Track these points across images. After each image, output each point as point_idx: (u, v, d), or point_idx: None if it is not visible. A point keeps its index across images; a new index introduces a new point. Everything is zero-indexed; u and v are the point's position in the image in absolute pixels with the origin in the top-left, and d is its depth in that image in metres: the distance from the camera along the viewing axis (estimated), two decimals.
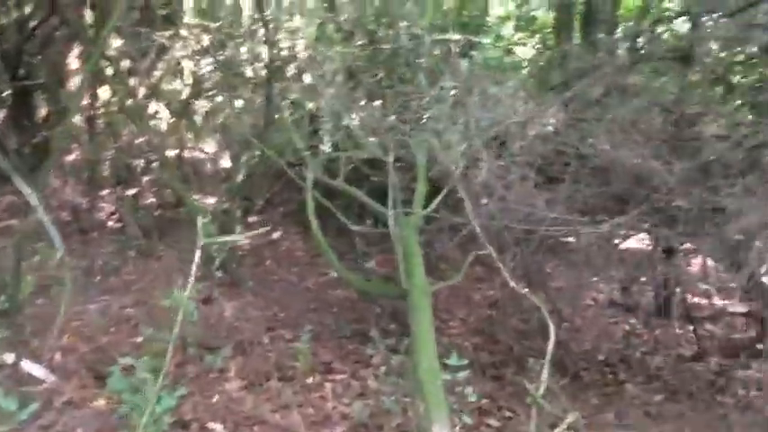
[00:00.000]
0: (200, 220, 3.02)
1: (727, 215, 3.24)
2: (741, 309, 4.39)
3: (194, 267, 2.61)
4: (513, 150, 4.05)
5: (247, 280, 5.20)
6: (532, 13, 11.70)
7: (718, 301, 4.59)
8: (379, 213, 4.03)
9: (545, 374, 2.66)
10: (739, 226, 3.18)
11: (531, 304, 3.25)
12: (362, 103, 7.09)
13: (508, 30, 11.97)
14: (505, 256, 3.51)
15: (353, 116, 5.90)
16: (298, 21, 7.45)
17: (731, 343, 4.07)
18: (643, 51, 4.83)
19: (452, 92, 4.99)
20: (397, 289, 3.38)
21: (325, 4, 7.61)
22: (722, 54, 4.31)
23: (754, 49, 4.36)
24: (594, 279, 4.46)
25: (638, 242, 4.28)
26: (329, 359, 3.91)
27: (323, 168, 5.05)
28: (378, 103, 7.37)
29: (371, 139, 5.48)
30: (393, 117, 5.09)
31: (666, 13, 5.74)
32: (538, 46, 11.31)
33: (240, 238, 4.55)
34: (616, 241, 3.90)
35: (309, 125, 6.04)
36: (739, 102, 4.49)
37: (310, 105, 6.30)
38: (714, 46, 4.52)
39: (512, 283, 3.15)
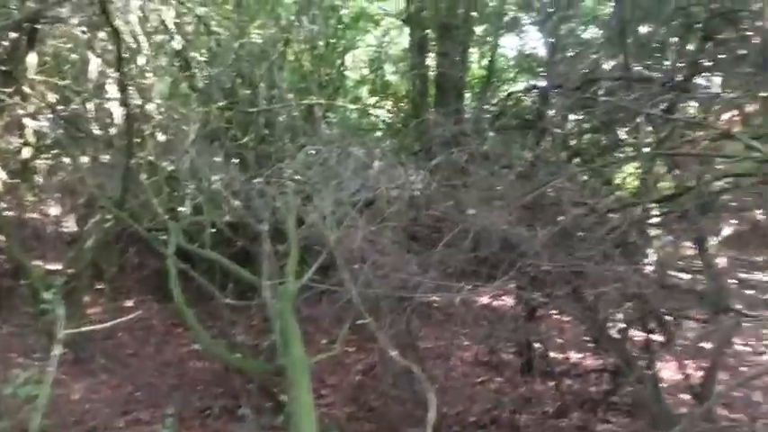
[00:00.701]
0: (48, 295, 2.73)
1: (585, 277, 3.44)
2: (597, 363, 4.65)
3: (55, 351, 2.32)
4: (384, 215, 4.09)
5: (97, 356, 4.77)
6: (386, 78, 12.18)
7: (576, 358, 4.83)
8: (245, 280, 3.86)
9: None
10: (596, 290, 3.38)
11: (404, 369, 3.23)
12: (223, 164, 6.90)
13: (363, 93, 12.37)
14: (381, 323, 3.48)
15: (215, 178, 5.72)
16: (150, 78, 7.16)
17: (589, 397, 4.28)
18: (499, 121, 5.15)
19: (318, 154, 5.00)
20: (273, 365, 3.22)
21: (179, 63, 7.40)
22: (569, 125, 4.67)
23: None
24: (465, 341, 4.54)
25: (504, 303, 4.44)
26: None
27: (183, 233, 4.81)
28: (237, 163, 7.22)
29: (236, 202, 5.32)
30: (259, 180, 4.99)
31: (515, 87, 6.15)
32: (393, 109, 11.77)
33: (106, 326, 4.14)
34: (484, 302, 4.01)
35: (168, 187, 5.77)
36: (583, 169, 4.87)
37: (169, 167, 6.03)
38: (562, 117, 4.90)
39: (391, 353, 3.10)
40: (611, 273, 3.30)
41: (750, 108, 4.65)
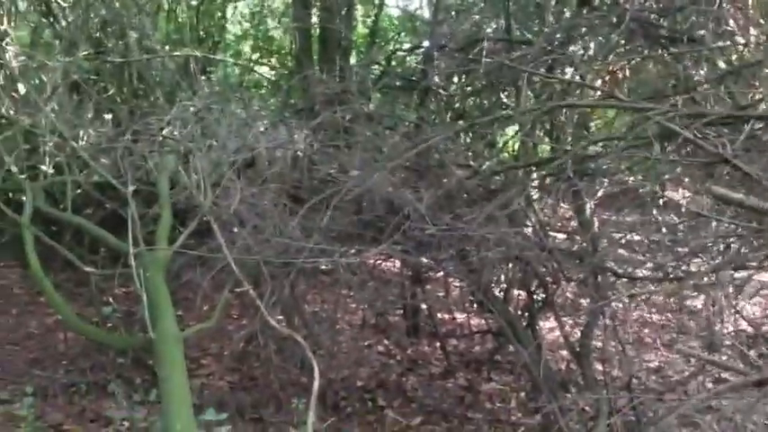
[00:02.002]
0: None
1: (469, 240, 3.44)
2: (481, 324, 4.74)
3: None
4: (264, 177, 3.90)
5: None
6: (270, 34, 11.73)
7: (461, 319, 4.91)
8: (118, 249, 3.56)
9: (311, 419, 2.52)
10: (480, 253, 3.39)
11: (289, 336, 3.11)
12: (90, 118, 6.38)
13: (246, 48, 11.86)
14: (263, 290, 3.32)
15: (81, 134, 5.26)
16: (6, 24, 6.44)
17: (474, 357, 4.36)
18: (383, 81, 5.04)
19: (194, 111, 4.69)
20: (143, 338, 2.99)
21: (41, 7, 6.71)
22: (453, 86, 4.64)
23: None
24: (351, 305, 4.48)
25: (391, 266, 4.40)
26: (59, 420, 3.36)
27: (44, 195, 4.39)
28: (108, 118, 6.69)
29: (103, 160, 4.92)
30: (128, 137, 4.62)
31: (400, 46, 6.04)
32: (277, 66, 11.37)
33: None
34: (371, 265, 3.95)
35: (25, 144, 5.23)
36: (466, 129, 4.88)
37: (26, 121, 5.46)
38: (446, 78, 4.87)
39: (272, 322, 2.96)
40: (494, 235, 3.32)
41: (620, 73, 4.81)
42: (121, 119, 6.68)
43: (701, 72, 4.05)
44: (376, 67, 5.15)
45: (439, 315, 4.81)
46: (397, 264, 4.30)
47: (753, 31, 4.87)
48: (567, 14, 5.14)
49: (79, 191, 4.81)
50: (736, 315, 4.28)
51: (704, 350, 4.59)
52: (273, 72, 11.29)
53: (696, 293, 4.58)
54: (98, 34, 7.27)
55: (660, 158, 2.75)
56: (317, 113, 4.88)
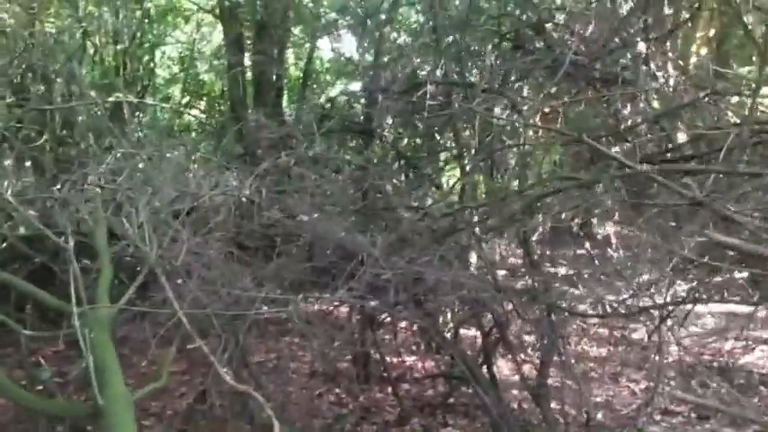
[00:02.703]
0: None
1: (424, 283, 3.41)
2: (433, 366, 4.69)
3: None
4: (210, 225, 3.77)
5: None
6: (200, 78, 11.60)
7: (411, 362, 4.84)
8: (55, 308, 3.34)
9: None
10: (435, 295, 3.37)
11: (244, 392, 2.98)
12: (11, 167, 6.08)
13: (176, 92, 11.69)
14: (212, 344, 3.18)
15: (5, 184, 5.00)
16: None
17: (428, 401, 4.30)
18: (325, 123, 5.02)
19: (128, 157, 4.53)
20: (90, 406, 2.78)
21: None
22: (399, 129, 4.67)
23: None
24: (301, 353, 4.35)
25: (343, 312, 4.32)
26: None
27: None
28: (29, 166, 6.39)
29: (31, 212, 4.67)
30: (59, 186, 4.40)
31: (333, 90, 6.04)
32: (208, 110, 11.24)
33: None
34: (323, 312, 3.86)
35: None
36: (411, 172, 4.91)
37: None
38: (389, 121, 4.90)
39: (227, 378, 2.83)
40: (448, 278, 3.30)
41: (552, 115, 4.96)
42: (45, 167, 6.41)
43: (635, 112, 4.23)
44: (318, 109, 5.12)
45: (389, 359, 4.73)
46: (346, 308, 4.22)
47: (672, 71, 5.15)
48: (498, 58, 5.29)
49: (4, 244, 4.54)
50: (678, 346, 4.39)
51: (649, 381, 4.68)
52: (205, 116, 11.15)
53: (639, 326, 4.69)
54: (21, 80, 6.99)
55: (643, 203, 2.79)
56: (259, 158, 4.81)
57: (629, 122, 3.98)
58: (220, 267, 3.45)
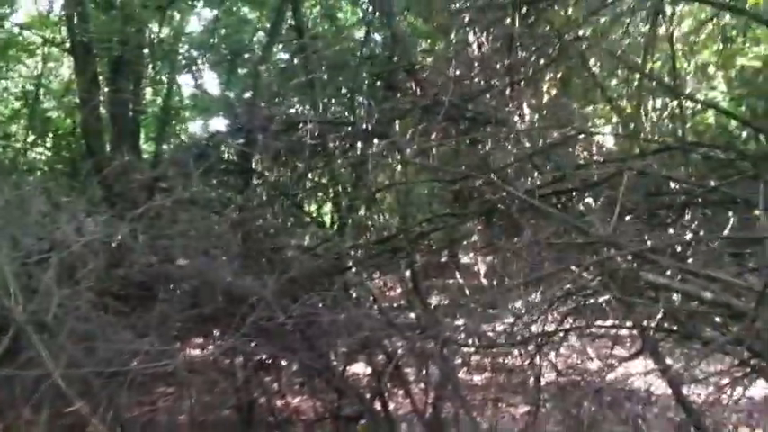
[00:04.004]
0: None
1: (318, 324, 3.38)
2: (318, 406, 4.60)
3: None
4: (81, 275, 3.49)
5: None
6: (47, 115, 10.82)
7: (295, 403, 4.72)
8: None
9: None
10: (329, 336, 3.35)
11: None
12: None
13: (18, 129, 10.81)
14: (94, 404, 2.93)
15: None
16: None
17: None
18: (199, 163, 4.86)
19: None
20: None
21: None
22: (280, 169, 4.62)
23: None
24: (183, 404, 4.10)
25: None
26: None
27: None
28: None
29: None
30: None
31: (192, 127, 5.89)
32: (55, 148, 10.51)
33: None
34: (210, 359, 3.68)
35: None
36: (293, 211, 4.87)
37: None
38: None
39: None
40: (342, 318, 3.29)
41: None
42: None
43: (505, 151, 4.49)
44: (193, 149, 4.95)
45: (275, 403, 4.59)
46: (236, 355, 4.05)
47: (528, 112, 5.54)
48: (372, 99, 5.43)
49: None
50: (553, 369, 4.64)
51: (527, 405, 4.89)
52: (52, 154, 10.40)
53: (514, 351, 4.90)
54: None
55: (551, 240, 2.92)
56: (126, 200, 4.55)
57: (503, 161, 4.20)
58: (95, 320, 3.21)
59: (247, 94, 6.13)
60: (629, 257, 2.07)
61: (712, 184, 3.09)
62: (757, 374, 3.34)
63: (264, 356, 3.86)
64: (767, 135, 3.72)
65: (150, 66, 9.84)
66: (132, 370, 3.09)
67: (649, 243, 2.54)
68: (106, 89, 8.94)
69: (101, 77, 8.87)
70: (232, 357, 4.16)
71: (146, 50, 9.30)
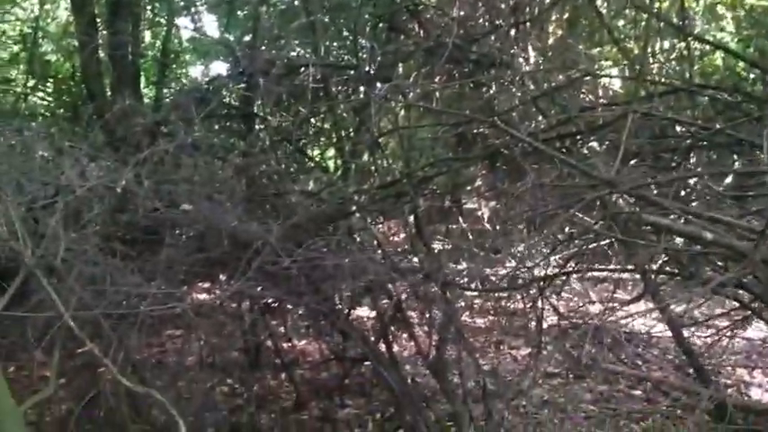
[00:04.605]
0: None
1: (324, 269, 3.41)
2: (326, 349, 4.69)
3: None
4: (88, 220, 3.52)
5: None
6: (46, 58, 10.68)
7: (302, 346, 4.82)
8: None
9: None
10: (335, 281, 3.39)
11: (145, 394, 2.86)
12: None
13: (18, 74, 10.70)
14: (104, 345, 3.00)
15: None
16: None
17: (323, 384, 4.31)
18: (202, 108, 4.82)
19: None
20: None
21: None
22: (282, 114, 4.58)
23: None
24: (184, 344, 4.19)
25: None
26: None
27: None
28: None
29: None
30: None
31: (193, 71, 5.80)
32: (56, 94, 10.41)
33: None
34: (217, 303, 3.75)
35: None
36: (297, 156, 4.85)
37: None
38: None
39: (125, 381, 2.69)
40: (347, 262, 3.32)
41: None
42: None
43: (510, 94, 4.44)
44: (194, 92, 4.90)
45: (281, 345, 4.68)
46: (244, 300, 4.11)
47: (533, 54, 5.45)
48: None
49: None
50: (555, 313, 4.71)
51: (529, 348, 4.99)
52: (52, 100, 10.31)
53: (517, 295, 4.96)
54: None
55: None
56: (129, 145, 4.53)
57: (507, 104, 4.16)
58: (103, 264, 3.24)
59: (247, 38, 6.01)
60: (632, 200, 2.08)
61: (717, 126, 3.06)
62: (756, 317, 3.39)
63: (270, 300, 3.90)
64: None
65: (148, 8, 9.66)
66: (141, 312, 3.14)
67: (651, 185, 2.53)
68: (105, 32, 8.81)
69: (99, 20, 8.72)
70: (238, 301, 4.23)
71: None
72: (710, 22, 5.84)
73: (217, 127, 4.99)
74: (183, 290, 3.42)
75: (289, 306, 4.50)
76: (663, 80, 4.42)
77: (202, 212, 3.52)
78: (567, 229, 3.98)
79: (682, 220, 2.01)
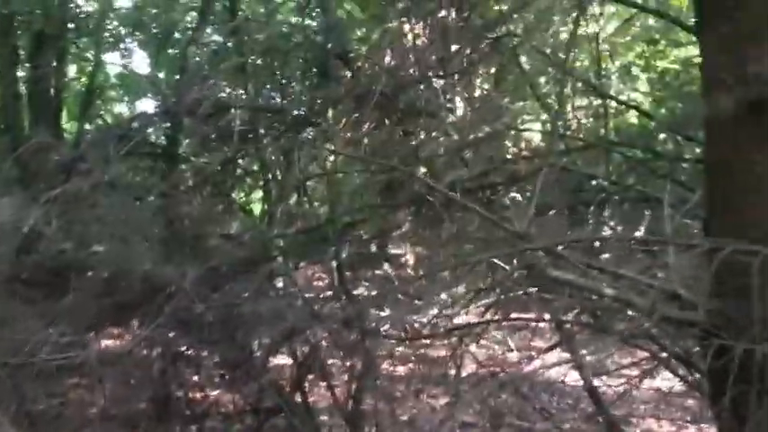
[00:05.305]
0: None
1: (240, 315, 3.32)
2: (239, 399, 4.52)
3: None
4: None
5: None
6: None
7: (214, 396, 4.63)
8: None
9: None
10: (251, 328, 3.30)
11: None
12: None
13: None
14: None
15: None
16: None
17: None
18: (122, 145, 4.68)
19: None
20: None
21: None
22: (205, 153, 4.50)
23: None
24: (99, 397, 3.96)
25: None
26: None
27: None
28: None
29: None
30: None
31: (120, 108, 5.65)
32: None
33: None
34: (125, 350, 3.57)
35: None
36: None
37: None
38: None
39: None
40: (265, 308, 3.24)
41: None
42: None
43: (435, 144, 4.51)
44: (115, 130, 4.76)
45: (192, 396, 4.48)
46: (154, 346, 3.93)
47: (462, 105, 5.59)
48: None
49: None
50: (474, 360, 4.71)
51: (448, 396, 4.96)
52: None
53: (440, 343, 4.95)
54: None
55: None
56: (42, 182, 4.34)
57: (434, 153, 4.22)
58: (3, 307, 3.06)
59: (177, 76, 5.94)
60: (542, 253, 2.12)
61: (628, 182, 3.19)
62: (664, 367, 3.48)
63: (183, 348, 3.76)
64: (683, 137, 3.86)
65: (75, 42, 9.45)
66: (39, 360, 2.96)
67: (559, 239, 2.58)
68: (27, 64, 8.55)
69: (21, 52, 8.46)
70: (149, 348, 4.05)
71: (71, 25, 8.91)
72: (626, 83, 6.16)
73: (138, 166, 4.84)
74: (88, 336, 3.26)
75: (204, 354, 4.35)
76: (580, 136, 4.60)
77: (114, 254, 3.39)
78: (486, 280, 4.02)
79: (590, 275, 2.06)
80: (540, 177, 2.32)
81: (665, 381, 4.94)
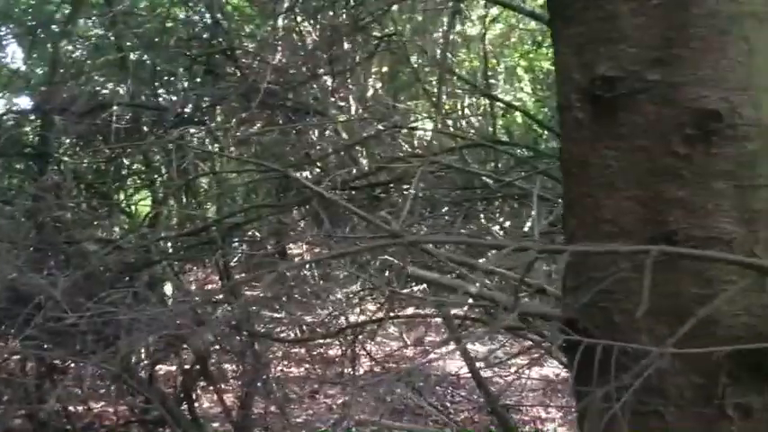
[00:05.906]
0: None
1: (117, 324, 3.14)
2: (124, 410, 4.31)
3: None
4: None
5: None
6: None
7: (98, 409, 4.39)
8: None
9: None
10: (131, 337, 3.13)
11: None
12: None
13: None
14: None
15: None
16: None
17: None
18: None
19: None
20: None
21: None
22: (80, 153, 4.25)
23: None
24: None
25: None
26: None
27: None
28: None
29: None
30: None
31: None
32: None
33: None
34: None
35: None
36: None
37: None
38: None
39: None
40: (144, 315, 3.09)
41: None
42: None
43: (324, 142, 4.47)
44: None
45: (74, 409, 4.23)
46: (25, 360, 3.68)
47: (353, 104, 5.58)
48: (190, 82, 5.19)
49: None
50: (369, 358, 4.72)
51: (344, 395, 4.95)
52: None
53: (334, 342, 4.92)
54: None
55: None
56: None
57: (320, 152, 4.18)
58: None
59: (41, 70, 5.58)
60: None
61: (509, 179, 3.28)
62: (548, 355, 3.61)
63: (57, 361, 3.53)
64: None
65: None
66: None
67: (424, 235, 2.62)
68: None
69: None
70: (21, 362, 3.80)
71: None
72: (511, 83, 6.36)
73: (8, 166, 4.52)
74: None
75: (81, 365, 4.12)
76: (469, 134, 4.70)
77: None
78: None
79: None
80: (418, 175, 2.33)
81: (553, 368, 5.17)
